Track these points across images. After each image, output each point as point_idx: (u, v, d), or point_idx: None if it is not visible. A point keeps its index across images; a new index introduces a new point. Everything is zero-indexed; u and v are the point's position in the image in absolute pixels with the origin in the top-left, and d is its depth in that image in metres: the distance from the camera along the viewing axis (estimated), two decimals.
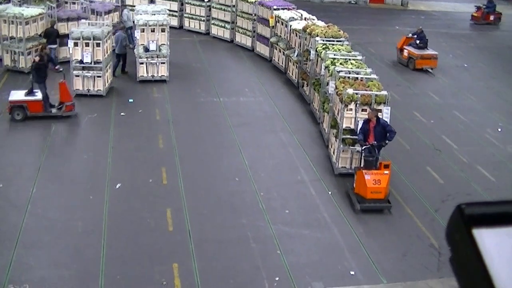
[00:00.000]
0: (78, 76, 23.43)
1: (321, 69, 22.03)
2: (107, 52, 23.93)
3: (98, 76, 23.48)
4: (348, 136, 18.27)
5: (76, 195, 16.48)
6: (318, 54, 22.74)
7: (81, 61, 23.26)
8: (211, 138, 20.54)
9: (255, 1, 31.06)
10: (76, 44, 23.21)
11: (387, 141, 16.92)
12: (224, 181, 17.86)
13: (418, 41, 31.24)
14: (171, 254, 14.08)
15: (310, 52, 23.89)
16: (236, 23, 32.78)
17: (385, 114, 17.66)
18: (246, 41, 32.20)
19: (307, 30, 24.68)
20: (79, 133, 21.04)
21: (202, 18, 34.30)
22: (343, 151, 18.41)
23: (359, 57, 21.51)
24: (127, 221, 15.33)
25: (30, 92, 21.16)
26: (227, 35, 33.32)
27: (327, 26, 25.09)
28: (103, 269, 13.31)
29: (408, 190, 17.86)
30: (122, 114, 21.87)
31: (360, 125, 17.32)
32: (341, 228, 15.69)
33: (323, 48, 22.38)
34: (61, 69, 22.40)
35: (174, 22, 34.12)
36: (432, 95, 27.39)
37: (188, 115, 22.75)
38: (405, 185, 18.16)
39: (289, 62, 27.42)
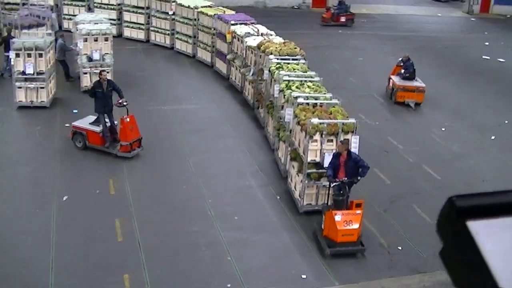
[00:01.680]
0: (20, 87, 23.01)
1: (274, 91, 20.26)
2: (50, 63, 23.59)
3: (41, 87, 23.10)
4: (314, 170, 16.30)
5: (23, 208, 16.22)
6: (271, 73, 20.97)
7: (23, 72, 22.86)
8: (159, 146, 20.45)
9: (215, 14, 29.69)
10: (18, 55, 22.79)
11: (359, 178, 15.20)
12: (172, 189, 17.81)
13: (403, 71, 27.33)
14: (122, 265, 13.94)
15: (264, 71, 22.22)
16: (198, 37, 31.43)
17: (354, 144, 15.92)
18: (207, 57, 30.72)
19: (261, 47, 23.25)
20: (23, 145, 20.70)
21: (167, 32, 33.48)
22: (308, 186, 16.48)
23: (316, 78, 19.90)
24: (75, 233, 15.13)
25: (96, 120, 19.80)
26: (189, 49, 32.04)
27: (283, 43, 23.51)
28: (52, 283, 13.13)
29: (356, 192, 17.99)
30: (66, 125, 21.57)
31: (326, 158, 15.79)
32: (291, 232, 15.77)
33: (277, 68, 20.75)
34: (125, 103, 19.44)
35: (142, 35, 34.44)
36: (376, 96, 27.72)
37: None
38: (353, 187, 18.29)
39: (245, 81, 25.60)
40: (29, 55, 22.76)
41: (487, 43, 42.73)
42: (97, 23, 26.25)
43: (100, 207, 16.48)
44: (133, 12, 34.37)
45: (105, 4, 34.66)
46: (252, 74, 24.38)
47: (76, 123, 19.91)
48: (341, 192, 14.98)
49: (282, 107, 19.06)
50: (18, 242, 14.66)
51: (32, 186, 17.52)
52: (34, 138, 20.98)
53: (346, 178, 15.07)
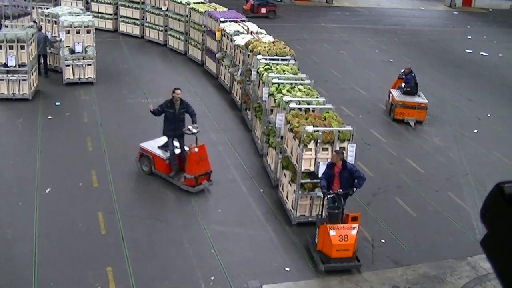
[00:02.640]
0: (2, 80, 22.88)
1: (262, 94, 19.11)
2: (32, 55, 23.46)
3: (24, 80, 22.98)
4: (308, 180, 15.37)
5: (4, 202, 16.10)
6: (260, 75, 19.88)
7: (5, 65, 22.71)
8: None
9: (205, 11, 28.76)
10: None
11: (355, 189, 14.27)
12: (155, 181, 17.68)
13: (403, 84, 24.61)
14: (105, 258, 13.88)
15: (251, 72, 21.17)
16: (189, 34, 30.68)
17: (350, 152, 15.15)
18: (197, 55, 29.97)
19: (249, 47, 22.21)
20: (5, 138, 20.58)
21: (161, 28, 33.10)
22: (301, 197, 15.60)
23: (307, 81, 18.89)
24: (58, 226, 15.05)
25: (165, 145, 17.74)
26: (181, 47, 31.47)
27: (273, 42, 22.47)
28: (35, 276, 13.05)
29: None
30: (49, 117, 21.50)
31: (321, 168, 14.85)
32: (274, 225, 15.77)
33: (265, 69, 19.62)
34: (195, 131, 17.06)
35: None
36: (359, 89, 27.79)
37: (117, 116, 22.60)
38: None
39: (234, 81, 24.73)
40: (11, 47, 22.62)
41: (469, 37, 42.98)
42: (79, 15, 26.07)
43: (83, 200, 16.40)
44: (128, 7, 34.02)
45: (129, 2, 34.29)
46: (240, 74, 23.53)
47: (143, 145, 18.08)
48: (336, 204, 14.12)
49: (272, 111, 18.34)
50: (0, 235, 14.53)
51: (15, 179, 17.39)
52: (17, 130, 20.84)
53: (341, 190, 14.16)
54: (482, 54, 37.63)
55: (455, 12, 54.12)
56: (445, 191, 18.43)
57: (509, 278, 1.24)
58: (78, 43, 24.94)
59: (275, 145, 17.66)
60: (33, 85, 23.75)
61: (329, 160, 14.81)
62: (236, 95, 24.48)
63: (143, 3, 33.53)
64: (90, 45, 25.38)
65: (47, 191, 16.62)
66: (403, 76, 24.80)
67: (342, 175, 14.24)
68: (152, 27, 33.27)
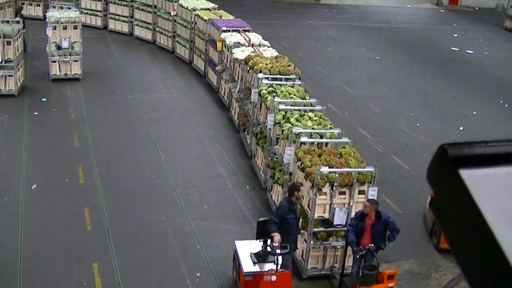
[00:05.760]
0: None
1: (266, 119, 17.03)
2: (18, 51, 23.35)
3: (10, 75, 22.87)
4: (321, 229, 13.25)
5: None
6: (262, 97, 17.62)
7: None
8: (127, 135, 20.39)
9: (209, 19, 26.28)
10: None
11: (387, 242, 12.57)
12: (141, 177, 17.74)
13: None
14: (91, 253, 13.90)
15: (251, 91, 19.00)
16: (194, 42, 28.37)
17: (371, 197, 13.01)
18: (201, 65, 27.58)
19: (249, 63, 19.86)
20: None
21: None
22: (313, 248, 13.44)
23: (318, 107, 16.72)
24: (44, 222, 15.04)
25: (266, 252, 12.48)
26: (187, 55, 29.28)
27: (275, 58, 20.33)
28: (21, 271, 13.04)
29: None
30: (35, 113, 21.46)
31: (337, 214, 13.01)
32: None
33: (269, 92, 17.40)
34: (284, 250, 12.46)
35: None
36: (345, 87, 27.84)
37: (103, 112, 22.56)
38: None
39: (232, 98, 22.22)
40: None
41: (456, 35, 43.11)
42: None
43: (69, 195, 16.38)
44: (142, 10, 32.80)
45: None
46: (238, 92, 21.22)
47: (247, 269, 12.44)
48: (368, 261, 12.42)
49: (277, 140, 16.24)
50: None
51: (0, 175, 17.36)
52: (2, 126, 20.76)
53: (372, 245, 12.30)
54: (468, 52, 37.76)
55: (442, 10, 54.31)
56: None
57: (454, 236, 1.27)
58: (65, 39, 24.84)
59: (282, 182, 15.34)
60: (19, 81, 23.61)
61: (346, 205, 13.08)
62: (234, 113, 21.97)
63: (155, 7, 32.03)
64: (76, 41, 25.28)
65: (33, 187, 16.59)
66: None
67: (375, 228, 12.44)
68: (162, 33, 31.63)
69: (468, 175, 1.24)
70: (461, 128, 23.82)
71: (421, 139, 22.43)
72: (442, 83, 30.30)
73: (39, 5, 34.53)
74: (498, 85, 30.65)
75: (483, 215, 1.18)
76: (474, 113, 26.03)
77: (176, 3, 29.77)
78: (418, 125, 23.76)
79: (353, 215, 12.88)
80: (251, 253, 12.64)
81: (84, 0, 34.34)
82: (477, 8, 55.96)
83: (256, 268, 12.29)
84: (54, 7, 31.56)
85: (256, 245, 12.76)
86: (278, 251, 12.11)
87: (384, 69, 31.90)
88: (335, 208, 13.03)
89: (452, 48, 38.34)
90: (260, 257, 12.45)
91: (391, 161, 20.24)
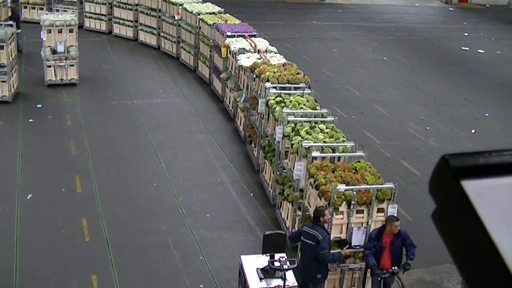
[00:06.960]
0: None
1: (274, 131, 16.32)
2: (11, 55, 22.85)
3: (3, 81, 22.41)
4: (338, 250, 12.33)
5: None
6: (269, 108, 16.88)
7: None
8: (126, 142, 19.98)
9: (213, 23, 25.14)
10: None
11: (409, 261, 11.79)
12: (141, 186, 17.39)
13: None
14: (89, 265, 13.63)
15: (258, 101, 18.18)
16: (199, 48, 27.23)
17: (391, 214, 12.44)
18: (206, 72, 26.41)
19: (256, 71, 18.88)
20: None
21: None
22: (330, 270, 12.52)
23: (329, 118, 15.90)
24: (40, 233, 14.72)
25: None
26: (191, 61, 28.08)
27: (283, 66, 19.38)
28: (17, 284, 12.81)
29: None
30: (30, 120, 21.15)
31: (355, 234, 12.37)
32: (265, 229, 15.28)
33: (277, 102, 16.61)
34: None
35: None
36: (351, 89, 27.40)
37: (101, 118, 22.20)
38: None
39: (238, 108, 21.24)
40: None
41: (466, 34, 42.70)
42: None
43: (66, 205, 16.04)
44: (147, 14, 31.86)
45: (123, 3, 32.86)
46: (244, 101, 20.33)
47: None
48: (382, 279, 11.91)
49: (286, 154, 15.61)
50: None
51: None
52: None
53: (396, 268, 11.71)
54: (479, 52, 37.33)
55: (451, 9, 53.89)
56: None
57: (456, 248, 1.27)
58: (60, 43, 24.35)
59: (292, 200, 14.70)
60: (13, 87, 23.13)
61: (365, 225, 12.46)
62: (240, 124, 21.04)
63: (159, 11, 31.04)
64: (72, 45, 24.77)
65: (28, 197, 16.26)
66: None
67: (393, 245, 11.81)
68: (166, 38, 30.67)
69: (471, 186, 1.26)
70: (472, 131, 23.34)
71: (431, 143, 21.96)
72: (452, 84, 29.82)
73: (42, 9, 34.05)
74: (511, 86, 30.17)
75: (485, 226, 1.21)
76: (486, 115, 25.54)
77: (180, 7, 28.93)
78: (428, 128, 23.33)
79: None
80: (257, 268, 12.17)
81: (88, 3, 33.79)
82: (488, 6, 55.42)
83: (263, 284, 11.83)
84: (57, 10, 31.27)
85: (263, 260, 12.26)
86: (285, 266, 11.62)
87: (392, 70, 31.43)
88: (352, 228, 12.38)
89: (463, 48, 37.90)
90: (267, 273, 11.98)
91: (400, 166, 19.78)
